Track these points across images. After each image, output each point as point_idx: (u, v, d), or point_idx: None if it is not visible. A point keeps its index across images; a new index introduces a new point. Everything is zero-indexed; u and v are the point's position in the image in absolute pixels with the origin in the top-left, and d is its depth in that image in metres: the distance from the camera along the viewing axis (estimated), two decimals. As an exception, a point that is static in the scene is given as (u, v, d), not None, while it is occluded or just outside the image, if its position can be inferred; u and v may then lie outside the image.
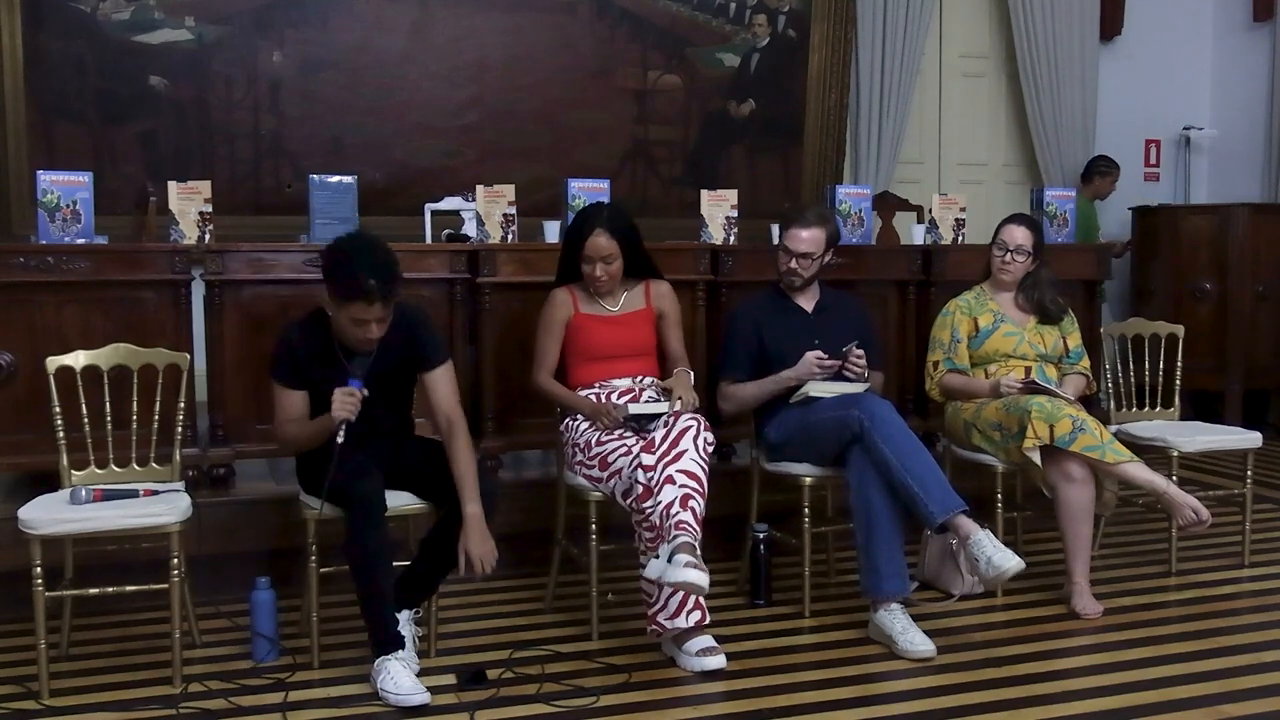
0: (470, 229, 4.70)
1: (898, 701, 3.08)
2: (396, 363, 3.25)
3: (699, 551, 3.18)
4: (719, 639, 3.33)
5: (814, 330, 3.83)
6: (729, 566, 4.00)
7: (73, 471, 3.38)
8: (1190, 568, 4.25)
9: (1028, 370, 4.02)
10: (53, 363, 3.37)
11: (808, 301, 3.92)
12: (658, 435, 3.36)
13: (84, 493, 3.18)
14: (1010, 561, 3.30)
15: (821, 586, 3.92)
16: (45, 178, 3.95)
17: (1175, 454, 4.20)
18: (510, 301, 4.30)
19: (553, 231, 4.61)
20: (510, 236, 4.44)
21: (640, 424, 3.49)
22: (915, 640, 3.36)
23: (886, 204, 6.31)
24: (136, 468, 3.47)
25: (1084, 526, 3.75)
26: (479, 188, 4.49)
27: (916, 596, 3.79)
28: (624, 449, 3.39)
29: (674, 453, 3.30)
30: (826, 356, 3.71)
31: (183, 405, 3.53)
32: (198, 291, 4.09)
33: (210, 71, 6.04)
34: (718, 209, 4.74)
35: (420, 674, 3.09)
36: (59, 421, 3.33)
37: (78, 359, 3.39)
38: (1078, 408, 3.80)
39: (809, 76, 7.03)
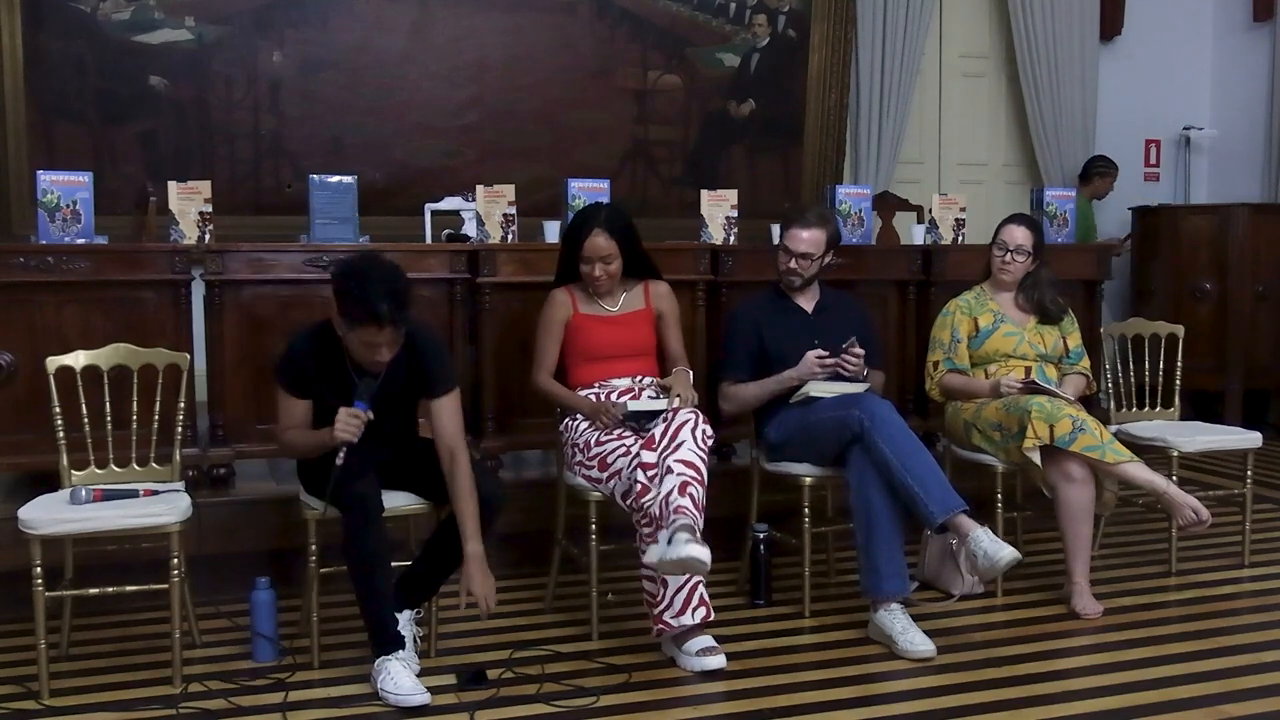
0: (470, 229, 4.70)
1: (898, 701, 3.08)
2: (403, 384, 3.23)
3: (700, 534, 3.18)
4: (719, 639, 3.33)
5: (814, 330, 3.83)
6: (729, 566, 3.99)
7: (73, 471, 3.38)
8: (1190, 568, 4.25)
9: (1028, 370, 4.03)
10: (53, 363, 3.36)
11: (808, 302, 3.92)
12: (657, 432, 3.36)
13: (84, 493, 3.18)
14: (1004, 551, 3.31)
15: (821, 586, 3.92)
16: (45, 178, 3.96)
17: (1175, 454, 4.21)
18: (510, 301, 4.30)
19: (553, 231, 4.61)
20: (510, 236, 4.44)
21: (639, 422, 3.49)
22: (915, 640, 3.36)
23: (886, 204, 6.31)
24: (136, 468, 3.47)
25: (1084, 526, 3.75)
26: (479, 188, 4.49)
27: (916, 596, 3.79)
28: (623, 449, 3.39)
29: (673, 445, 3.30)
30: (828, 355, 3.71)
31: (183, 405, 3.53)
32: (198, 291, 4.10)
33: (210, 71, 6.03)
34: (718, 209, 4.74)
35: (420, 674, 3.09)
36: (59, 421, 3.33)
37: (78, 359, 3.39)
38: (1078, 408, 3.80)
39: (809, 76, 7.03)
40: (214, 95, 6.05)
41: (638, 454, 3.33)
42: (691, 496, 3.23)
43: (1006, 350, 4.05)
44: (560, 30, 6.58)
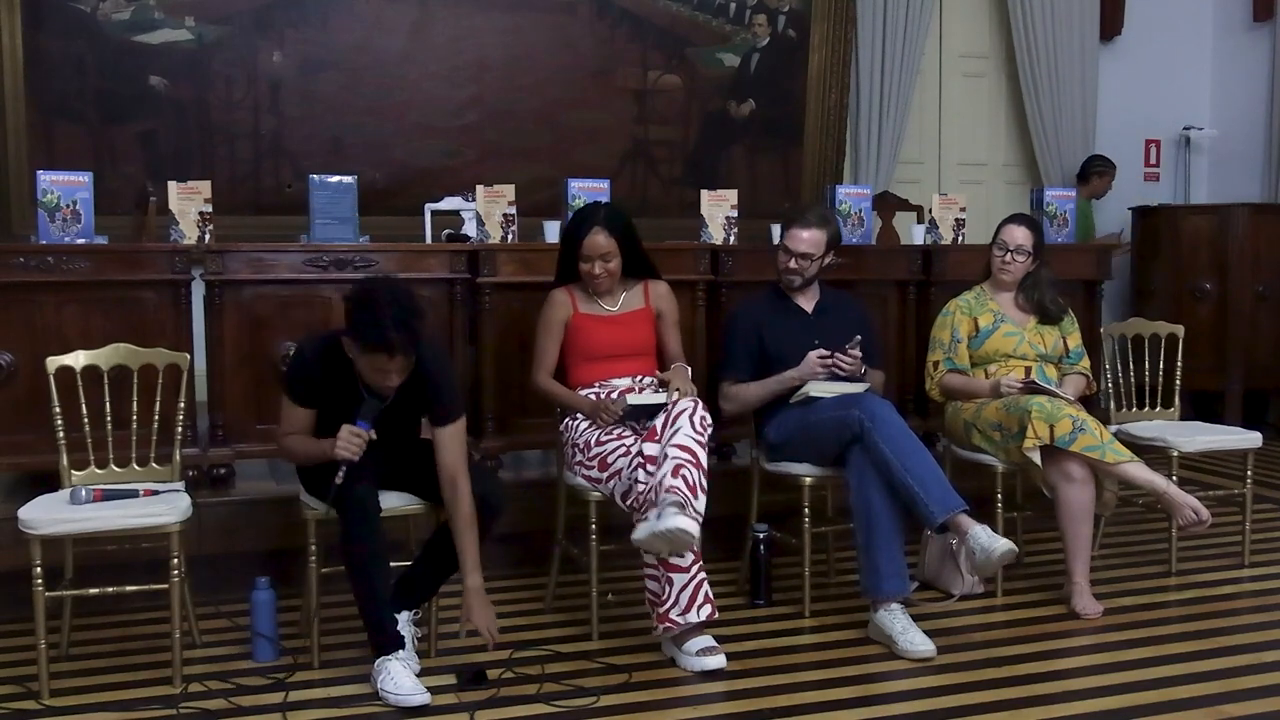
0: (470, 229, 4.70)
1: (898, 701, 3.08)
2: (409, 407, 3.22)
3: (692, 511, 3.17)
4: (719, 639, 3.33)
5: (814, 330, 3.83)
6: (729, 566, 4.00)
7: (73, 471, 3.38)
8: (1190, 568, 4.25)
9: (1028, 370, 4.02)
10: (53, 363, 3.36)
11: (808, 302, 3.92)
12: (658, 424, 3.36)
13: (84, 493, 3.18)
14: (999, 544, 3.31)
15: (821, 586, 3.92)
16: (45, 178, 3.96)
17: (1175, 454, 4.20)
18: (510, 301, 4.30)
19: (553, 231, 4.60)
20: (510, 236, 4.44)
21: (639, 419, 3.48)
22: (915, 640, 3.36)
23: (886, 204, 6.31)
24: (136, 468, 3.47)
25: (1084, 526, 3.75)
26: (479, 188, 4.49)
27: (916, 596, 3.79)
28: (623, 450, 3.39)
29: (670, 432, 3.31)
30: (829, 355, 3.71)
31: (183, 405, 3.53)
32: (198, 291, 4.10)
33: (210, 71, 6.04)
34: (718, 209, 4.74)
35: (420, 674, 3.09)
36: (59, 421, 3.33)
37: (78, 359, 3.39)
38: (1078, 408, 3.80)
39: (809, 76, 7.03)
40: (214, 95, 6.05)
41: (640, 449, 3.33)
42: (684, 478, 3.22)
43: (1006, 350, 4.05)
44: (560, 30, 6.58)
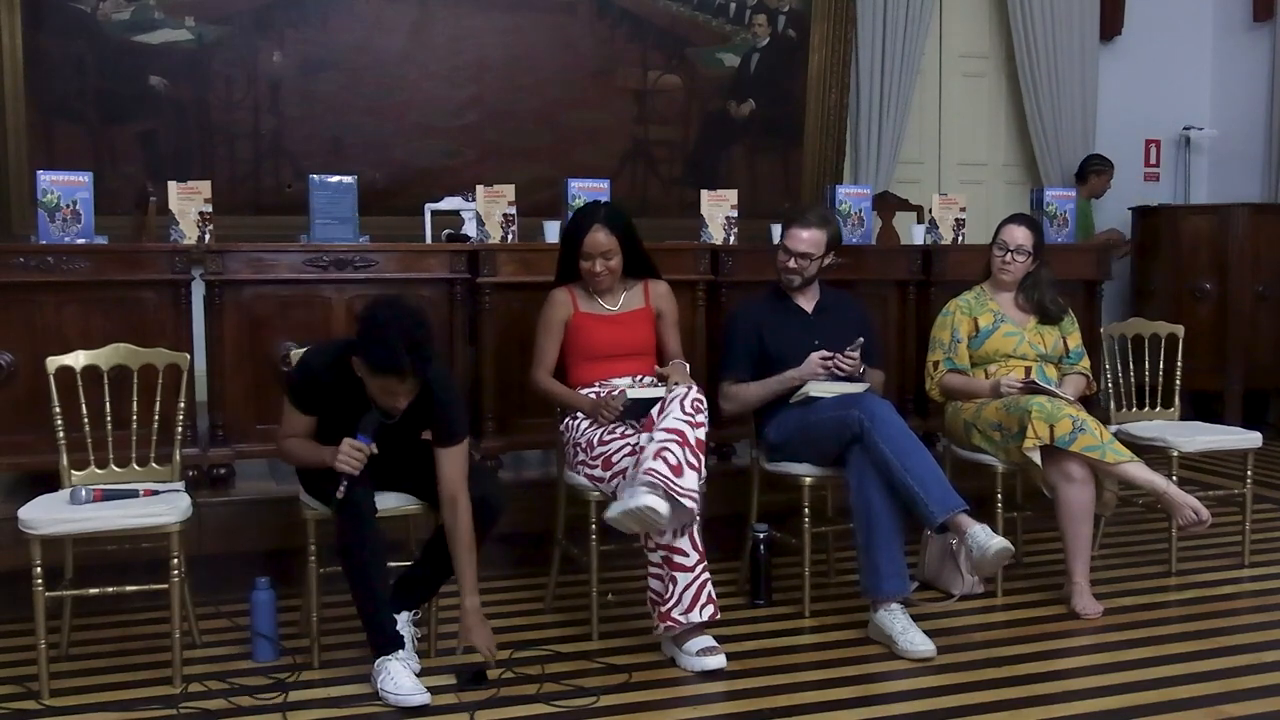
0: (470, 229, 4.70)
1: (898, 701, 3.08)
2: (414, 424, 3.21)
3: (676, 489, 3.15)
4: (719, 639, 3.33)
5: (814, 330, 3.83)
6: (729, 566, 4.00)
7: (73, 471, 3.38)
8: (1190, 568, 4.24)
9: (1028, 370, 4.02)
10: (53, 363, 3.36)
11: (808, 302, 3.92)
12: (655, 413, 3.35)
13: (84, 493, 3.18)
14: (995, 540, 3.31)
15: (821, 586, 3.92)
16: (45, 178, 3.96)
17: (1175, 454, 4.20)
18: (510, 301, 4.30)
19: (553, 231, 4.60)
20: (510, 236, 4.44)
21: (639, 414, 3.47)
22: (915, 640, 3.36)
23: (886, 204, 6.31)
24: (136, 468, 3.47)
25: (1084, 526, 3.75)
26: (479, 188, 4.49)
27: (916, 596, 3.79)
28: (628, 449, 3.38)
29: (661, 417, 3.30)
30: (831, 356, 3.70)
31: (183, 405, 3.53)
32: (198, 291, 4.09)
33: (210, 71, 6.04)
34: (718, 209, 4.74)
35: (420, 674, 3.09)
36: (59, 421, 3.33)
37: (78, 359, 3.39)
38: (1078, 408, 3.80)
39: (809, 76, 7.03)
40: (214, 95, 6.05)
41: (642, 446, 3.32)
42: (665, 459, 3.20)
43: (1006, 350, 4.05)
44: (560, 30, 6.58)
